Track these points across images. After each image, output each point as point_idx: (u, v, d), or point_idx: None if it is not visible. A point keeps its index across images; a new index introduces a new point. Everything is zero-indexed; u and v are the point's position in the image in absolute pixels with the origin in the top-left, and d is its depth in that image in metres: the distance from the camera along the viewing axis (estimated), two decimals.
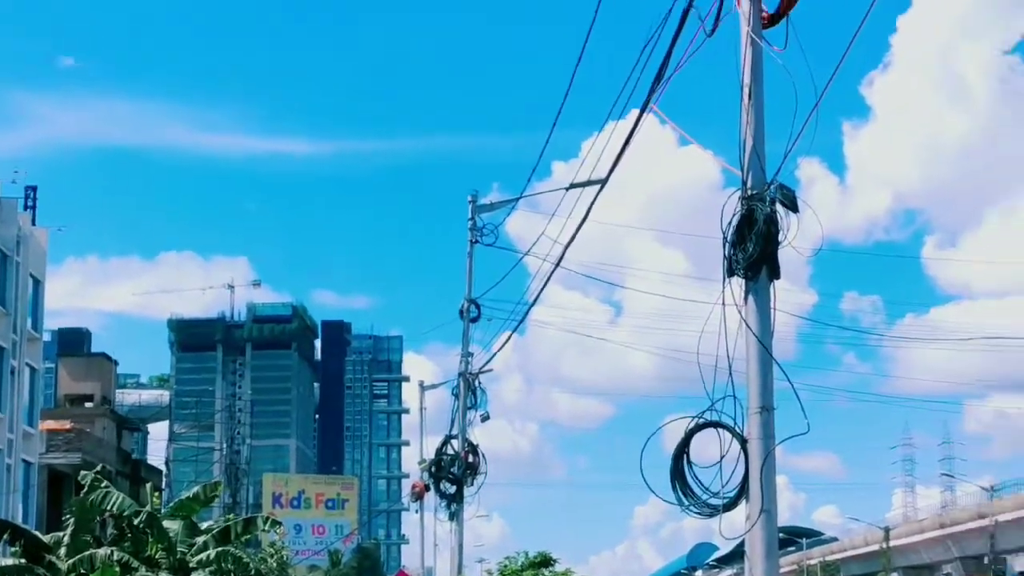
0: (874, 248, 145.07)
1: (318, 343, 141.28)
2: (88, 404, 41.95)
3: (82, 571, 19.10)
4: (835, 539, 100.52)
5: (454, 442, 23.09)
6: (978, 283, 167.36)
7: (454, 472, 22.83)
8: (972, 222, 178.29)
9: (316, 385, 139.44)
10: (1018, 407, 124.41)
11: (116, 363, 48.22)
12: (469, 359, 23.23)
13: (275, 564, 28.35)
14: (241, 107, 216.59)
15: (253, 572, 21.86)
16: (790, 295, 8.84)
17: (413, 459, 48.85)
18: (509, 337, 22.86)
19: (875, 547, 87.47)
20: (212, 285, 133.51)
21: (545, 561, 23.34)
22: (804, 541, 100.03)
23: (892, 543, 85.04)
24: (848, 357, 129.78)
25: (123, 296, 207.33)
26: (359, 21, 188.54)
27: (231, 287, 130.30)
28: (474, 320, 22.75)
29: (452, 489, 22.98)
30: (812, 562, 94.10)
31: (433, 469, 23.49)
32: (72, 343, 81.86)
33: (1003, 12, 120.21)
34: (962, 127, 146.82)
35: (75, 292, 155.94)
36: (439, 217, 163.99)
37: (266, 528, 25.52)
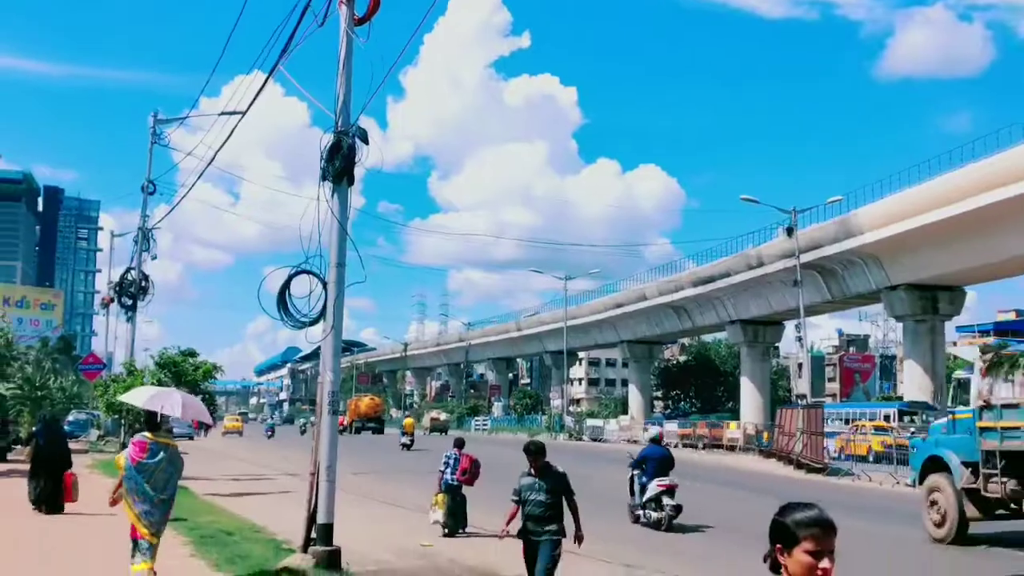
0: (402, 176, 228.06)
1: (40, 200, 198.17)
2: None
3: None
4: (374, 348, 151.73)
5: (133, 272, 31.64)
6: (460, 201, 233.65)
7: (132, 291, 31.52)
8: (458, 165, 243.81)
9: (37, 228, 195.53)
10: (480, 276, 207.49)
11: None
12: (146, 218, 31.63)
13: (3, 342, 35.95)
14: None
15: None
16: (353, 198, 11.74)
17: (103, 282, 64.90)
18: (171, 209, 35.97)
19: (398, 355, 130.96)
20: None
21: (191, 353, 29.14)
22: (355, 349, 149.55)
23: (408, 352, 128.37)
24: (381, 239, 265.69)
25: None
26: None
27: None
28: (151, 194, 31.32)
29: (130, 302, 31.80)
30: (359, 362, 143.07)
31: (118, 288, 32.35)
32: None
33: (488, 40, 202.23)
34: (456, 106, 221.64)
35: None
36: (130, 123, 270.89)
37: None
